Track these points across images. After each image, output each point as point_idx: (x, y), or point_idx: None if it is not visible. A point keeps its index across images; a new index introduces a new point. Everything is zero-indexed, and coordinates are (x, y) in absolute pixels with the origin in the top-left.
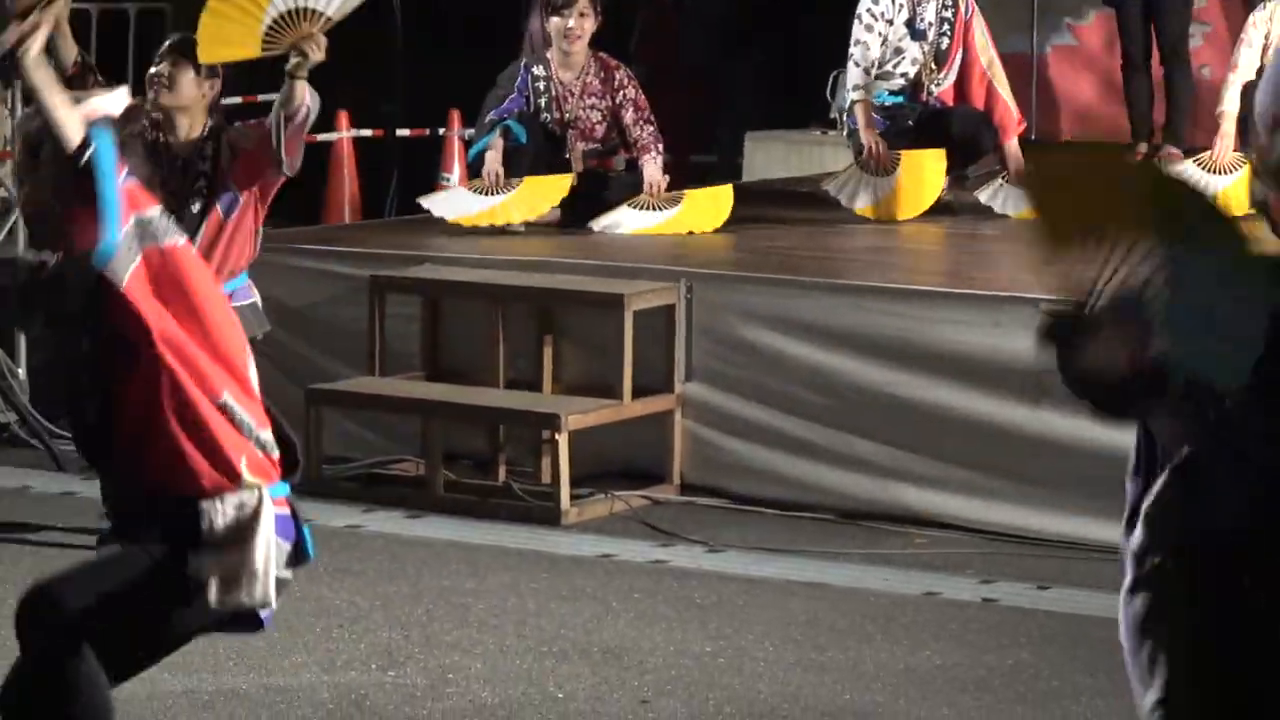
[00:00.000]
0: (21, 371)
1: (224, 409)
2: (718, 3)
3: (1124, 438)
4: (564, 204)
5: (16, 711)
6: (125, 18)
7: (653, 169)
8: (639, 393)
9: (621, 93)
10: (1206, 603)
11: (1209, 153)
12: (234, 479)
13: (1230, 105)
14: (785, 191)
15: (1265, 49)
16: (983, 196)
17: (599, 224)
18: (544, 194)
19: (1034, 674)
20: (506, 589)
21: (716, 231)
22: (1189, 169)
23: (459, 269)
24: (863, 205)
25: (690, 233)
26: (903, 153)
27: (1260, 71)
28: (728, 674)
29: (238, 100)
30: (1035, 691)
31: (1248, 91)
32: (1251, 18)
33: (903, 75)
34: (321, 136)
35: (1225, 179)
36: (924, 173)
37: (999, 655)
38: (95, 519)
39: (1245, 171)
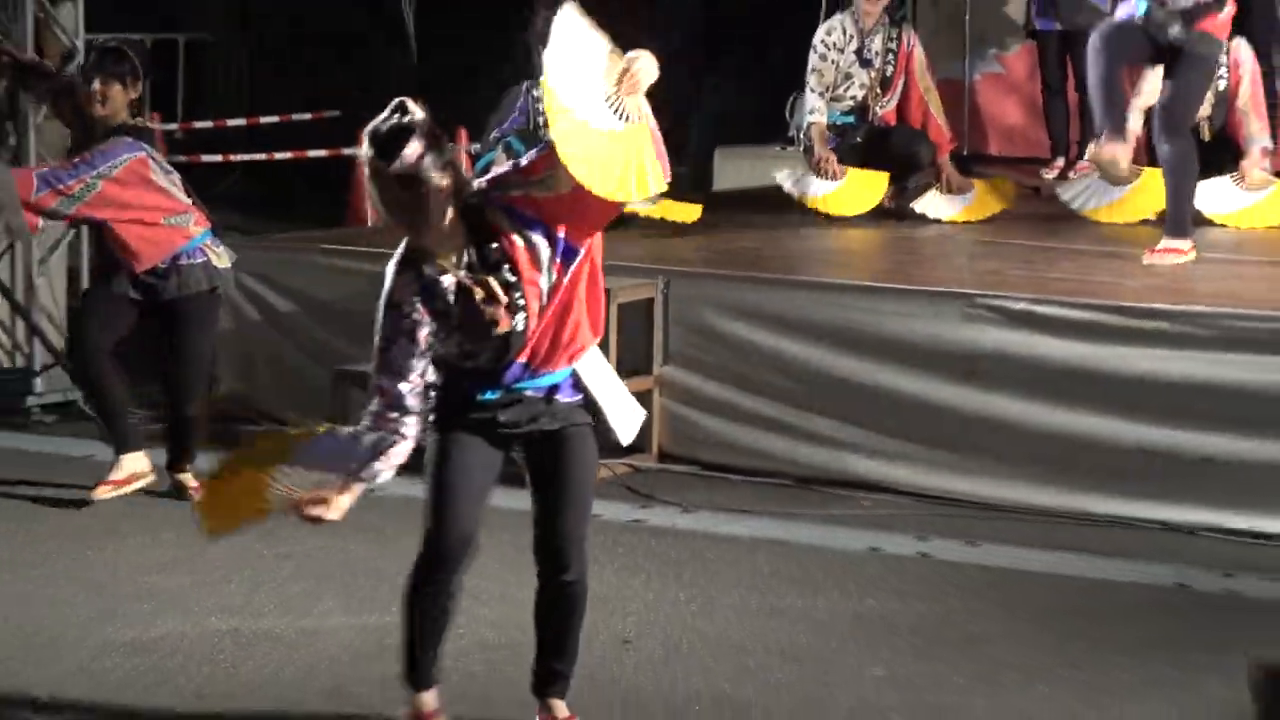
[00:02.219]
0: None
1: None
2: (687, 34)
3: (1037, 415)
4: None
5: None
6: (174, 46)
7: None
8: (623, 374)
9: None
10: None
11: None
12: None
13: (1135, 124)
14: (751, 199)
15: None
16: (918, 206)
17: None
18: None
19: (963, 619)
20: (507, 544)
21: (690, 235)
22: (1094, 179)
23: None
24: (812, 197)
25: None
26: (850, 169)
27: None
28: (699, 619)
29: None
30: (963, 635)
31: (1148, 113)
32: None
33: (852, 98)
34: (346, 151)
35: (1126, 188)
36: (866, 184)
37: (932, 603)
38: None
39: (1142, 179)
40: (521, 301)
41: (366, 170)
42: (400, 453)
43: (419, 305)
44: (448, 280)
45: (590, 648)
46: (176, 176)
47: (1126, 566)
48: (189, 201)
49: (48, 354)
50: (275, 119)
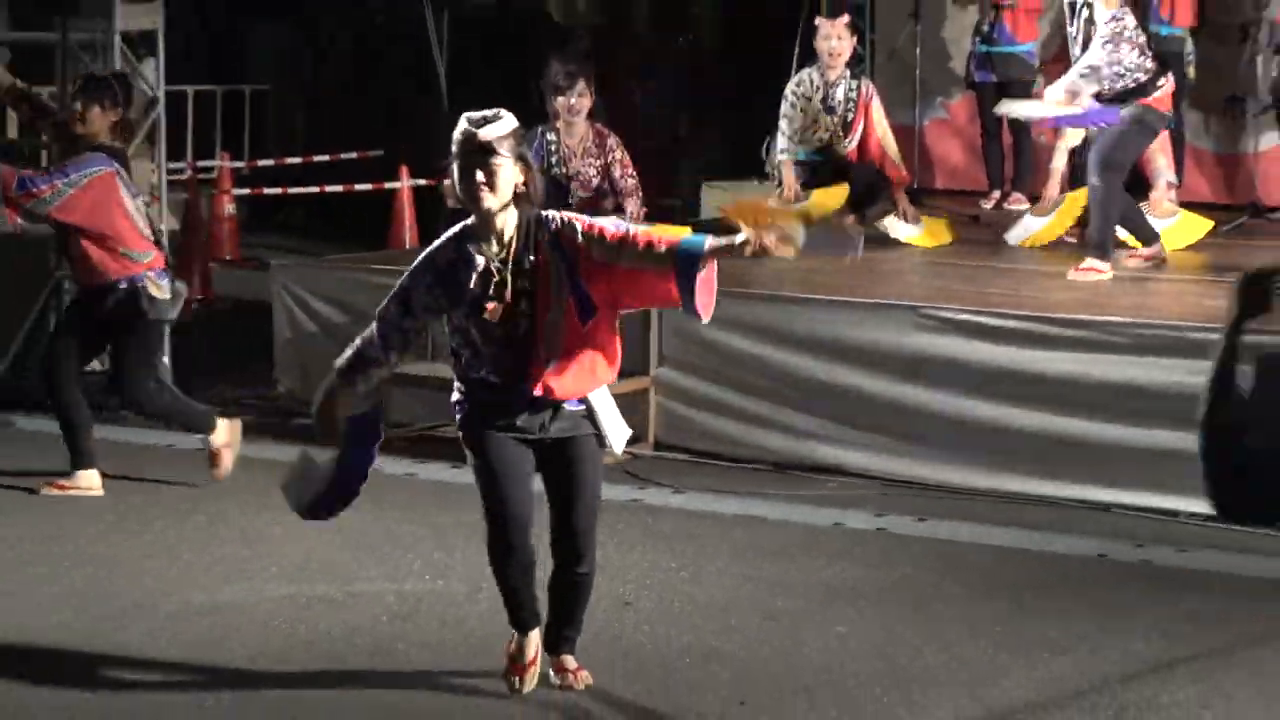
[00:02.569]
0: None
1: None
2: (676, 85)
3: (976, 410)
4: None
5: None
6: (242, 96)
7: (634, 207)
8: (624, 375)
9: (612, 154)
10: None
11: (1043, 198)
12: None
13: (1059, 162)
14: (733, 227)
15: None
16: (879, 225)
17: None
18: None
19: (914, 584)
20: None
21: None
22: (1029, 214)
23: None
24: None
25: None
26: (813, 191)
27: (1085, 139)
28: (689, 584)
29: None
30: (914, 597)
31: (1072, 153)
32: (1076, 101)
33: (818, 139)
34: (388, 185)
35: (1051, 216)
36: (828, 198)
37: (888, 570)
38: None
39: (1066, 204)
40: (528, 312)
41: (456, 139)
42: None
43: (435, 283)
44: (479, 261)
45: (596, 608)
46: (143, 201)
47: (1054, 539)
48: (150, 239)
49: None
50: (326, 158)
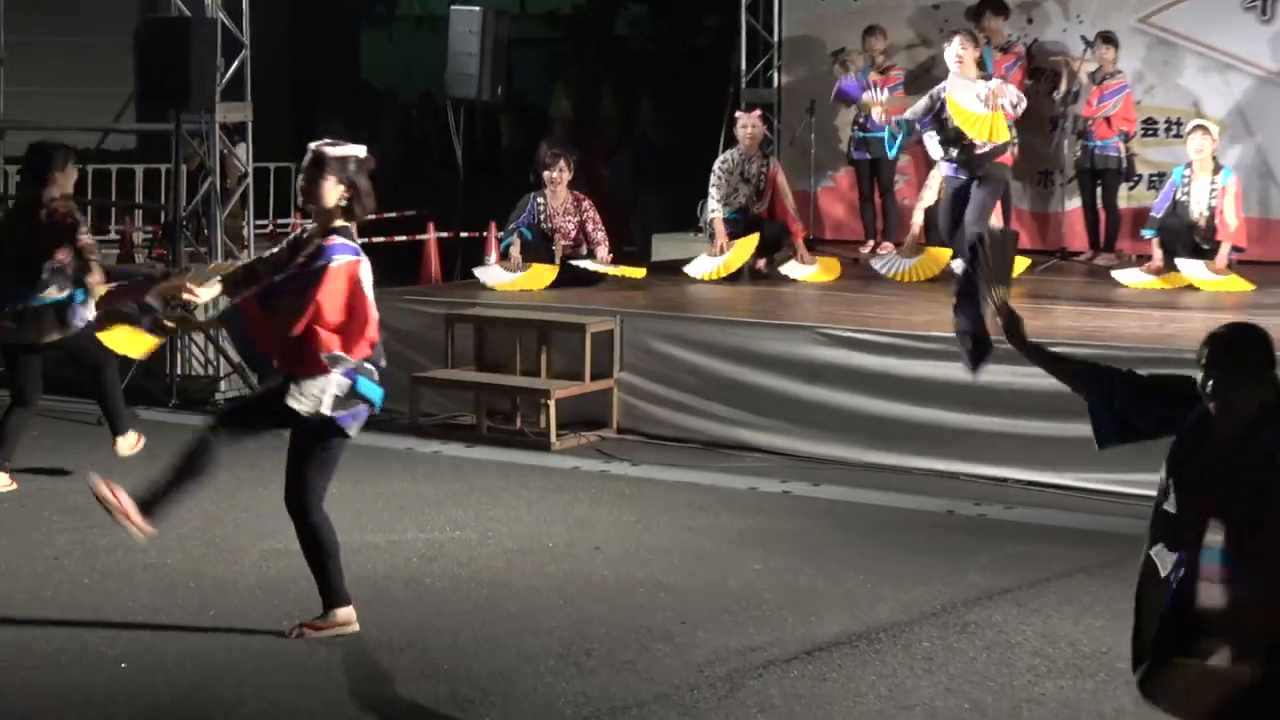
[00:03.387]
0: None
1: None
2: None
3: (857, 403)
4: (555, 281)
5: None
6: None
7: (603, 253)
8: (594, 377)
9: (586, 213)
10: None
11: (904, 244)
12: None
13: (917, 219)
14: (676, 267)
15: (939, 188)
16: (783, 270)
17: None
18: (542, 275)
19: (810, 532)
20: (520, 485)
21: (637, 289)
22: (894, 255)
23: (495, 309)
24: (703, 272)
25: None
26: (735, 242)
27: (938, 200)
28: (645, 534)
29: None
30: (811, 543)
31: (928, 211)
32: (931, 172)
33: (739, 202)
34: (419, 237)
35: (915, 259)
36: (743, 247)
37: (791, 523)
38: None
39: (925, 254)
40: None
41: (311, 153)
42: None
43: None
44: None
45: (572, 552)
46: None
47: (914, 499)
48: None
49: (226, 365)
50: (371, 217)
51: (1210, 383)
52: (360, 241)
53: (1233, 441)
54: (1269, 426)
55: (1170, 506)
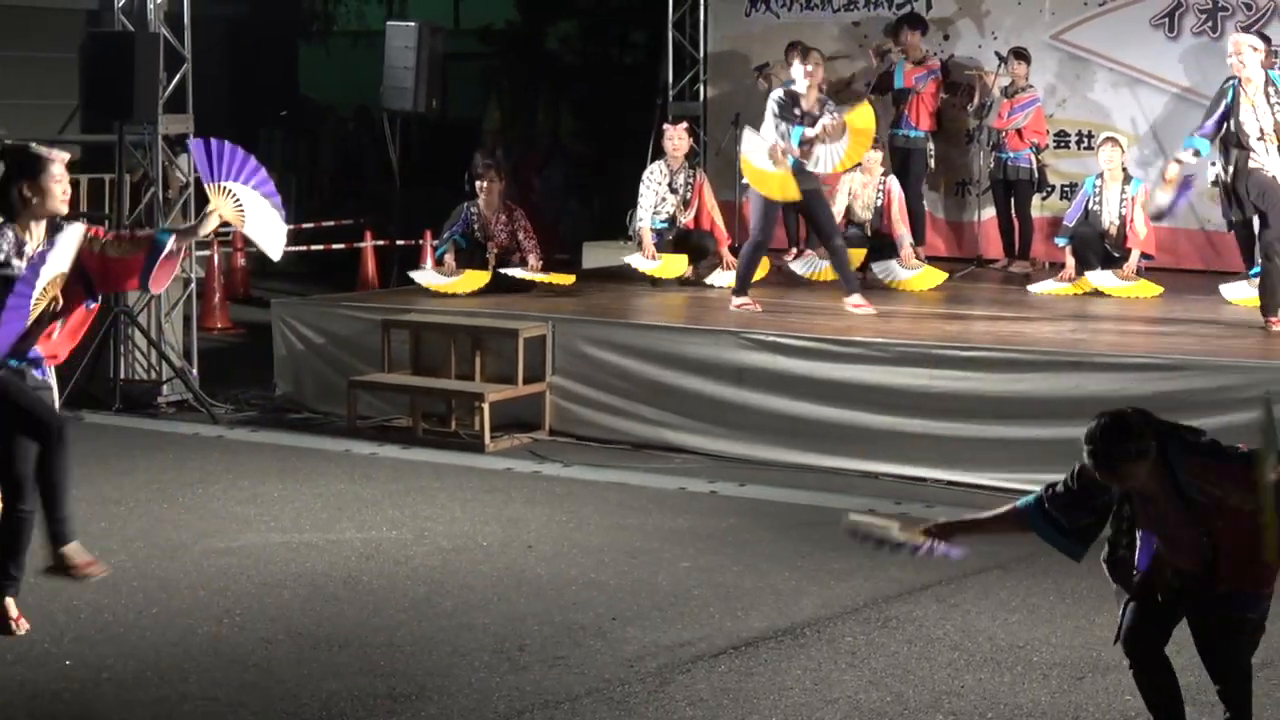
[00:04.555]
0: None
1: None
2: (561, 170)
3: (780, 405)
4: (486, 286)
5: None
6: None
7: (534, 260)
8: (527, 381)
9: (518, 221)
10: None
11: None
12: None
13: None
14: (606, 274)
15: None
16: (708, 279)
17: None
18: (474, 280)
19: (737, 530)
20: (455, 486)
21: (567, 296)
22: (812, 257)
23: (430, 314)
24: (642, 271)
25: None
26: (664, 255)
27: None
28: (576, 533)
29: None
30: (737, 540)
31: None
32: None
33: (667, 212)
34: (356, 245)
35: (825, 263)
36: (674, 263)
37: (719, 521)
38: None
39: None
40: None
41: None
42: None
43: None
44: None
45: (506, 550)
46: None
47: (834, 498)
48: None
49: (169, 369)
50: (311, 225)
51: (1111, 476)
52: (299, 249)
53: (1154, 481)
54: (1170, 447)
55: (1124, 551)
